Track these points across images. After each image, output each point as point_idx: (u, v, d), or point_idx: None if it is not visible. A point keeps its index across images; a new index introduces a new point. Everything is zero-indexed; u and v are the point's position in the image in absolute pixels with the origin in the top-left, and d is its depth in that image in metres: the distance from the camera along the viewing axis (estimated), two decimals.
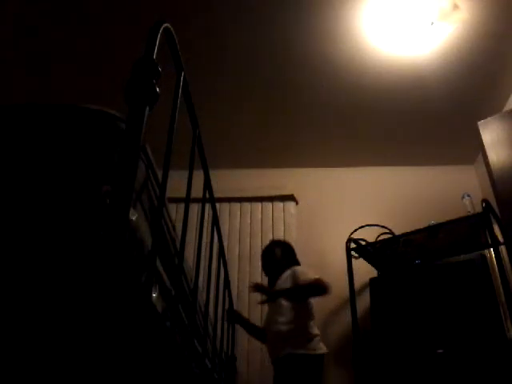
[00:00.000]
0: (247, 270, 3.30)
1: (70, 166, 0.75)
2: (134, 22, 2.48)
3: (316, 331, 2.37)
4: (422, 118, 3.21)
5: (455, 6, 2.36)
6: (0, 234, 0.71)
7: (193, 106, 1.23)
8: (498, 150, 2.27)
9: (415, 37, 2.55)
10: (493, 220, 2.32)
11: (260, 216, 3.53)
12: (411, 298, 2.60)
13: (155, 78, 0.76)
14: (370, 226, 3.24)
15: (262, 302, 2.46)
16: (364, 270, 3.05)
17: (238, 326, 2.70)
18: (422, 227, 2.65)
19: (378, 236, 3.14)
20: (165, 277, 0.99)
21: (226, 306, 2.25)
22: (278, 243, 2.72)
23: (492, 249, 2.44)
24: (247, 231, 3.46)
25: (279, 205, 3.56)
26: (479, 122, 2.41)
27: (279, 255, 2.60)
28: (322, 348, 2.33)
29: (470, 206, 3.16)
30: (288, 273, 2.45)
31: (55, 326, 0.76)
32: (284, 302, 2.36)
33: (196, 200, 1.38)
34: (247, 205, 3.57)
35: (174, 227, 1.06)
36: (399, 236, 2.75)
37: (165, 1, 2.40)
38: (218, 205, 2.99)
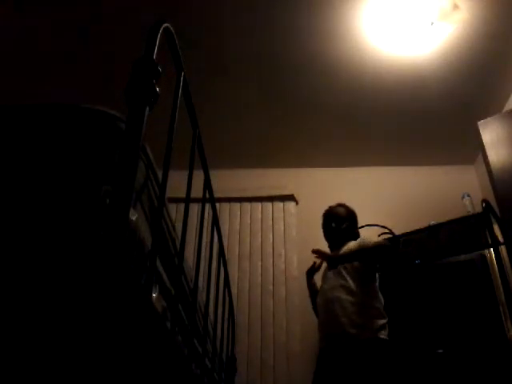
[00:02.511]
0: (247, 269, 3.30)
1: (70, 166, 0.75)
2: (134, 22, 2.48)
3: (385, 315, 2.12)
4: (422, 118, 3.20)
5: (455, 6, 2.36)
6: (0, 234, 0.71)
7: (193, 106, 1.23)
8: (498, 149, 2.27)
9: (415, 37, 2.55)
10: (493, 220, 2.32)
11: (260, 216, 3.53)
12: (411, 298, 2.60)
13: (155, 77, 0.76)
14: (370, 226, 3.23)
15: (329, 268, 2.22)
16: None
17: (237, 326, 2.70)
18: (422, 227, 2.65)
19: (378, 236, 3.13)
20: (165, 277, 0.99)
21: (226, 306, 2.25)
22: (348, 212, 2.45)
23: (492, 249, 2.44)
24: (247, 231, 3.46)
25: (279, 205, 3.56)
26: (479, 122, 2.41)
27: (346, 225, 2.39)
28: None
29: (470, 206, 3.16)
30: (353, 243, 2.23)
31: (56, 327, 0.76)
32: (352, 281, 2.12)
33: (196, 200, 1.38)
34: (247, 205, 3.57)
35: (173, 227, 1.06)
36: (399, 236, 2.75)
37: (165, 1, 2.40)
38: (218, 205, 2.99)
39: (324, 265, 2.39)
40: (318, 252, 2.16)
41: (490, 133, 2.34)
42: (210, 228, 1.76)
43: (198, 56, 2.70)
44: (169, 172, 0.91)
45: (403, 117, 3.21)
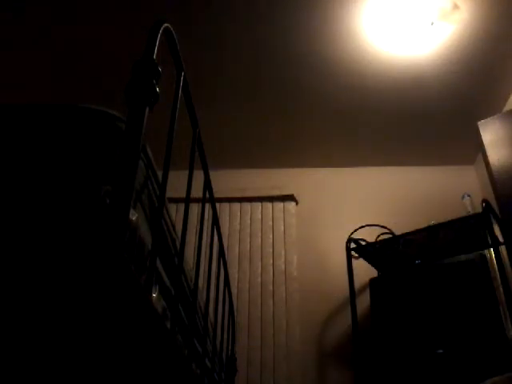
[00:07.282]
0: (247, 269, 3.30)
1: (70, 166, 0.75)
2: (134, 22, 2.48)
3: None
4: (422, 117, 3.21)
5: (455, 6, 2.36)
6: None
7: (193, 106, 1.23)
8: (498, 149, 2.28)
9: (415, 37, 2.55)
10: (493, 220, 2.32)
11: (260, 216, 3.53)
12: (411, 298, 2.60)
13: (155, 78, 0.76)
14: (370, 226, 3.24)
15: None
16: (364, 270, 3.05)
17: (237, 326, 2.69)
18: (421, 227, 2.65)
19: (378, 236, 3.14)
20: (165, 277, 0.99)
21: (226, 306, 2.25)
22: None
23: (492, 249, 2.44)
24: (247, 231, 3.46)
25: (279, 205, 3.56)
26: (479, 122, 2.41)
27: None
28: None
29: (470, 206, 3.16)
30: None
31: (55, 327, 0.76)
32: None
33: (196, 200, 1.38)
34: (247, 205, 3.57)
35: (174, 227, 1.06)
36: (399, 236, 2.75)
37: (165, 1, 2.40)
38: (218, 205, 2.99)
39: None
40: None
41: (490, 133, 2.34)
42: (210, 228, 1.76)
43: (198, 56, 2.70)
44: (169, 172, 0.91)
45: (403, 117, 3.21)
